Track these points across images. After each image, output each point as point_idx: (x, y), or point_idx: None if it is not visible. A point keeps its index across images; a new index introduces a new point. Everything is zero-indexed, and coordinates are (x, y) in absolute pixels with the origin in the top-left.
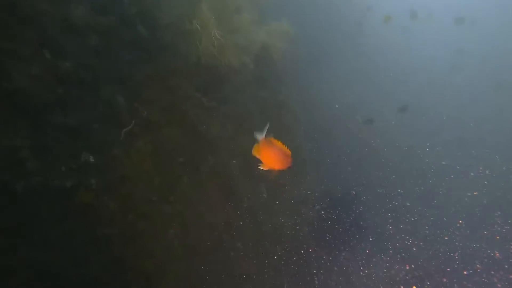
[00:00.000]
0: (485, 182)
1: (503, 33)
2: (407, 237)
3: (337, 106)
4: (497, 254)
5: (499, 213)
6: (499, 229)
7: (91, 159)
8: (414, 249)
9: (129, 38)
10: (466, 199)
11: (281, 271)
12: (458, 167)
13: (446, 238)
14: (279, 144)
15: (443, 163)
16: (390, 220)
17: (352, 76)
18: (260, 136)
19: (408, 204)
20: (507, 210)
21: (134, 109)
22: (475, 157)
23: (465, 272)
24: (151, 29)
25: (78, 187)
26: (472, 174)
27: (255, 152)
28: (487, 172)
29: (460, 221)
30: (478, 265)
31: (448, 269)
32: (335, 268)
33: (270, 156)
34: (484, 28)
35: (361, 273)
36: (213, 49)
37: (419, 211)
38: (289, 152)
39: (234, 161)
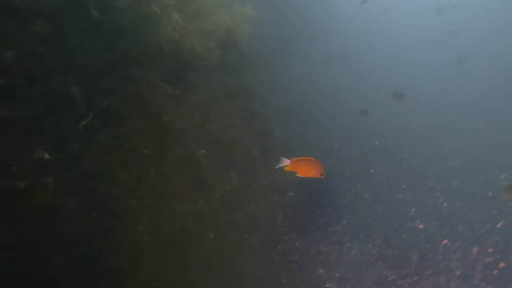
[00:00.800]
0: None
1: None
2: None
3: (299, 91)
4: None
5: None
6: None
7: (46, 156)
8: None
9: (82, 23)
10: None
11: (256, 259)
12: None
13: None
14: (306, 158)
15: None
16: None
17: (325, 60)
18: (286, 162)
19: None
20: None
21: (92, 100)
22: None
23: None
24: (105, 13)
25: (33, 187)
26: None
27: (289, 169)
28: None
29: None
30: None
31: None
32: (311, 254)
33: (304, 168)
34: (466, 12)
35: (336, 257)
36: (174, 33)
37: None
38: (318, 161)
39: (203, 151)
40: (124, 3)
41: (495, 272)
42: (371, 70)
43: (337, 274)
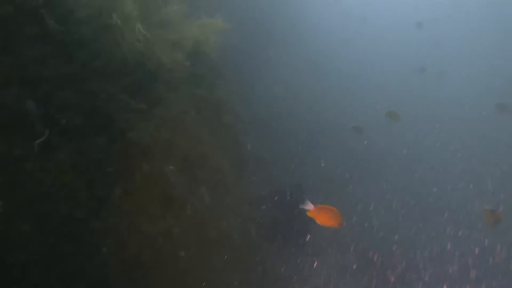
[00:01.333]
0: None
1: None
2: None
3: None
4: None
5: None
6: None
7: None
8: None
9: (36, 32)
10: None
11: (230, 276)
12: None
13: None
14: (328, 207)
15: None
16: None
17: (298, 71)
18: (310, 206)
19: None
20: None
21: (48, 116)
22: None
23: None
24: (64, 23)
25: None
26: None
27: (310, 215)
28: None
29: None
30: None
31: None
32: (286, 267)
33: (324, 217)
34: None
35: (312, 269)
36: (138, 45)
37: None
38: (338, 211)
39: (171, 167)
40: (82, 13)
41: None
42: (345, 80)
43: None
